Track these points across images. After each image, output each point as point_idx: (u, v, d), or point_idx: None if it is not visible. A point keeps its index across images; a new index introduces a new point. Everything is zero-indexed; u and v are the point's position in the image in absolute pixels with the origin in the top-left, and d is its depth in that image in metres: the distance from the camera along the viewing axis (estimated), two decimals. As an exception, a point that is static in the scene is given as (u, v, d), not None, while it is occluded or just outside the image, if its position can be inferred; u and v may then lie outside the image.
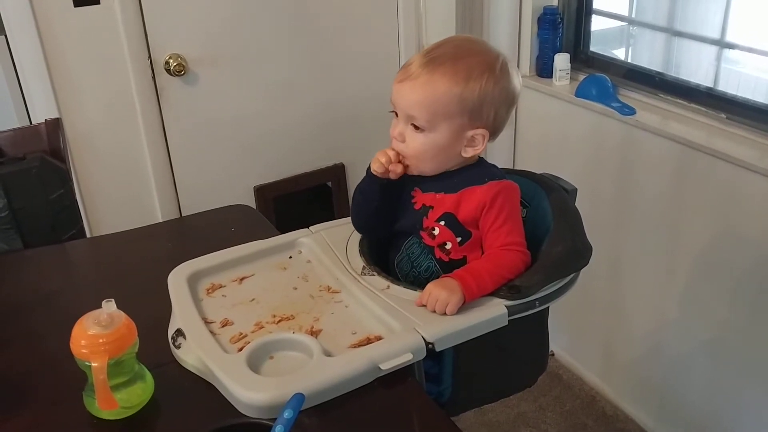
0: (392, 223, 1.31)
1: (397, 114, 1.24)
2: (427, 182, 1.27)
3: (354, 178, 2.62)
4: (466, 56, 1.20)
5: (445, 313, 1.13)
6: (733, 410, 1.96)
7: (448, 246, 1.25)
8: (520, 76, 1.27)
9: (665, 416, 2.20)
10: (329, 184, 2.65)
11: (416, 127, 1.21)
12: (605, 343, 2.38)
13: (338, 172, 2.60)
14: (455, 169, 1.26)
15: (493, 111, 1.21)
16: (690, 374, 2.06)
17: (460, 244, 1.25)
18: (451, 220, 1.24)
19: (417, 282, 1.26)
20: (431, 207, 1.26)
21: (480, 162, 1.30)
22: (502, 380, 1.34)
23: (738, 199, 1.79)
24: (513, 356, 1.30)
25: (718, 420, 2.01)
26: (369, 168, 1.27)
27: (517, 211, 1.24)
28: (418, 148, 1.23)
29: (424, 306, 1.15)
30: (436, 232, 1.25)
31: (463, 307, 1.14)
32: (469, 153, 1.24)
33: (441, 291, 1.14)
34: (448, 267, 1.24)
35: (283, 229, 1.44)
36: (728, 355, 1.94)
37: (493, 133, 1.25)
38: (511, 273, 1.19)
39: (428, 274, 1.26)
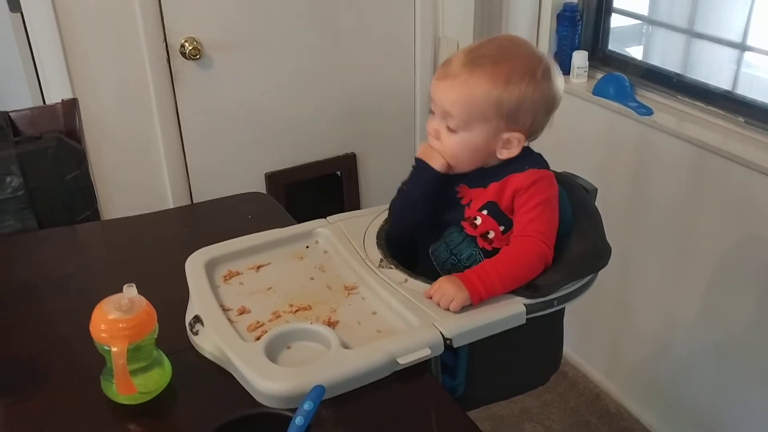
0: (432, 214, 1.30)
1: (433, 110, 1.23)
2: (473, 178, 1.26)
3: (365, 169, 2.61)
4: (508, 59, 1.18)
5: (448, 309, 1.12)
6: (739, 413, 1.96)
7: (491, 235, 1.23)
8: (562, 80, 1.24)
9: (670, 416, 2.20)
10: (339, 173, 2.64)
11: (449, 128, 1.21)
12: (612, 341, 2.38)
13: (349, 161, 2.60)
14: (498, 163, 1.25)
15: (531, 116, 1.20)
16: (697, 376, 2.06)
17: (504, 232, 1.23)
18: (494, 209, 1.23)
19: (455, 269, 1.23)
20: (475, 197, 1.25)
21: (524, 151, 1.26)
22: (516, 378, 1.34)
23: (753, 204, 1.78)
24: (528, 354, 1.30)
25: (723, 422, 2.01)
26: (421, 167, 1.25)
27: (551, 201, 1.22)
28: (452, 147, 1.22)
29: (431, 298, 1.15)
30: (478, 221, 1.23)
31: (482, 304, 1.14)
32: (503, 155, 1.22)
33: (450, 287, 1.13)
34: (492, 256, 1.21)
35: (293, 217, 1.44)
36: (736, 358, 1.94)
37: (530, 136, 1.23)
38: (524, 270, 1.17)
39: (470, 262, 1.23)
